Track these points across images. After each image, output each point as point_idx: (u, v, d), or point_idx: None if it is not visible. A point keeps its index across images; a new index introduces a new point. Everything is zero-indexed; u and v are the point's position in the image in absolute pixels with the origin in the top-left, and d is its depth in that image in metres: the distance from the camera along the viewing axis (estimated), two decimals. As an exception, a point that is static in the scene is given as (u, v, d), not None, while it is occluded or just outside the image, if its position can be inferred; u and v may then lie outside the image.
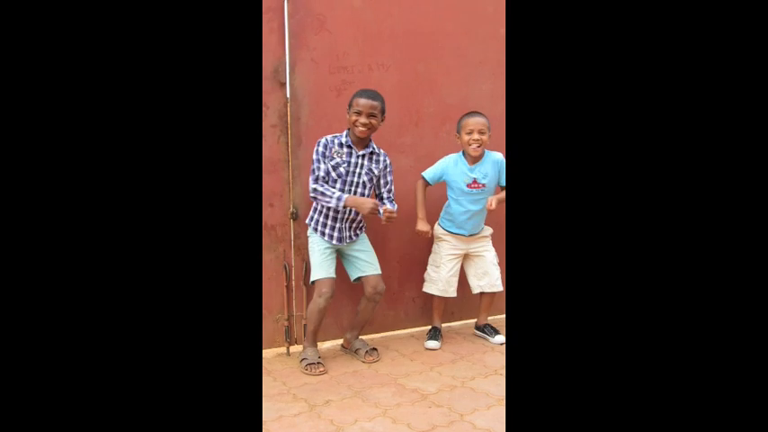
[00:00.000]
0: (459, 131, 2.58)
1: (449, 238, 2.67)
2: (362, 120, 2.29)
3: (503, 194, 2.60)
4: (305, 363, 2.35)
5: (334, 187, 2.33)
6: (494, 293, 2.71)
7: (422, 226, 2.58)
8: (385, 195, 2.49)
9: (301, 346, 2.54)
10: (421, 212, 2.61)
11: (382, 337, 2.76)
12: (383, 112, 2.35)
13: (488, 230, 2.74)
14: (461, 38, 2.80)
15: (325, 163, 2.32)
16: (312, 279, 2.38)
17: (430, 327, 2.76)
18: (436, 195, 2.71)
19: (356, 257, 2.45)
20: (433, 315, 2.76)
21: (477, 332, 2.76)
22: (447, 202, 2.68)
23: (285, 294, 2.53)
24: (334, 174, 2.33)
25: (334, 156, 2.33)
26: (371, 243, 2.53)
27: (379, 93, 2.36)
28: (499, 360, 2.45)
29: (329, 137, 2.36)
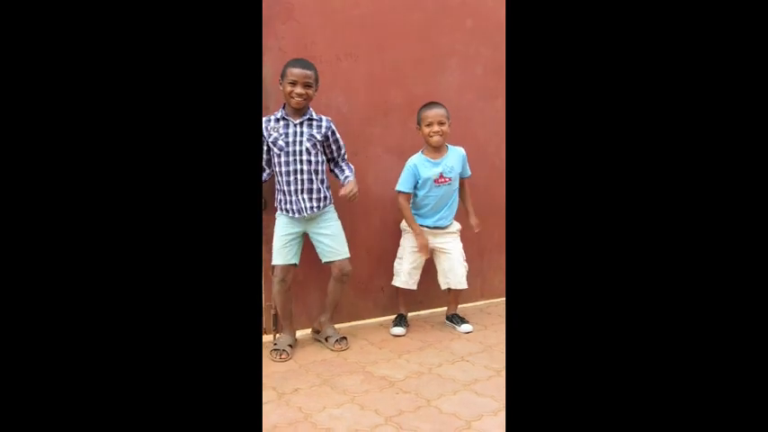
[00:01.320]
0: (419, 123, 2.59)
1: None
2: (298, 90, 2.27)
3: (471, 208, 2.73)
4: (272, 348, 2.39)
5: (279, 162, 2.34)
6: (461, 290, 2.74)
7: (423, 240, 2.60)
8: (340, 160, 2.48)
9: (270, 336, 2.55)
10: (417, 227, 2.61)
11: (351, 326, 2.77)
12: (317, 80, 2.34)
13: (456, 226, 2.75)
14: (429, 29, 2.82)
15: (265, 144, 2.35)
16: (272, 263, 2.41)
17: (396, 314, 2.79)
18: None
19: (322, 242, 2.45)
20: (398, 302, 2.80)
21: (447, 321, 2.81)
22: (413, 198, 2.68)
23: (253, 284, 2.52)
24: (275, 149, 2.33)
25: (272, 132, 2.33)
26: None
27: (310, 61, 2.34)
28: (466, 347, 2.50)
29: (266, 117, 2.36)
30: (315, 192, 2.38)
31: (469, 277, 2.75)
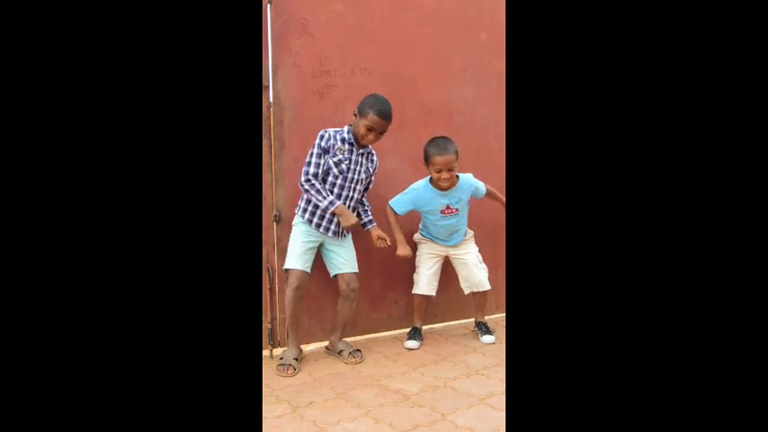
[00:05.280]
0: (426, 162, 2.54)
1: (427, 241, 2.72)
2: (371, 137, 2.36)
3: None
4: (279, 363, 2.38)
5: (334, 183, 2.36)
6: (485, 292, 2.73)
7: (403, 251, 2.58)
8: (365, 196, 2.56)
9: (271, 350, 2.56)
10: (399, 236, 2.59)
11: (366, 339, 2.76)
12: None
13: (469, 233, 2.77)
14: (443, 43, 2.84)
15: (321, 158, 2.35)
16: (285, 267, 2.41)
17: (410, 327, 2.78)
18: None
19: (335, 253, 2.47)
20: (413, 315, 2.79)
21: (475, 327, 2.81)
22: (423, 221, 2.71)
23: (268, 297, 2.53)
24: (335, 170, 2.36)
25: (337, 152, 2.35)
26: (354, 244, 2.55)
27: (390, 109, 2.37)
28: (481, 361, 2.47)
29: (331, 131, 2.38)
30: None
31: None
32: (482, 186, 2.68)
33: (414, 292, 2.72)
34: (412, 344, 2.64)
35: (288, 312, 2.41)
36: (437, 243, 2.69)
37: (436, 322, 2.96)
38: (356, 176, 2.42)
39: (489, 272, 2.78)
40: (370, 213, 2.58)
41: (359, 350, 2.51)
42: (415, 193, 2.59)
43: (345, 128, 2.42)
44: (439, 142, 2.50)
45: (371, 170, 2.51)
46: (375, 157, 2.54)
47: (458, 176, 2.59)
